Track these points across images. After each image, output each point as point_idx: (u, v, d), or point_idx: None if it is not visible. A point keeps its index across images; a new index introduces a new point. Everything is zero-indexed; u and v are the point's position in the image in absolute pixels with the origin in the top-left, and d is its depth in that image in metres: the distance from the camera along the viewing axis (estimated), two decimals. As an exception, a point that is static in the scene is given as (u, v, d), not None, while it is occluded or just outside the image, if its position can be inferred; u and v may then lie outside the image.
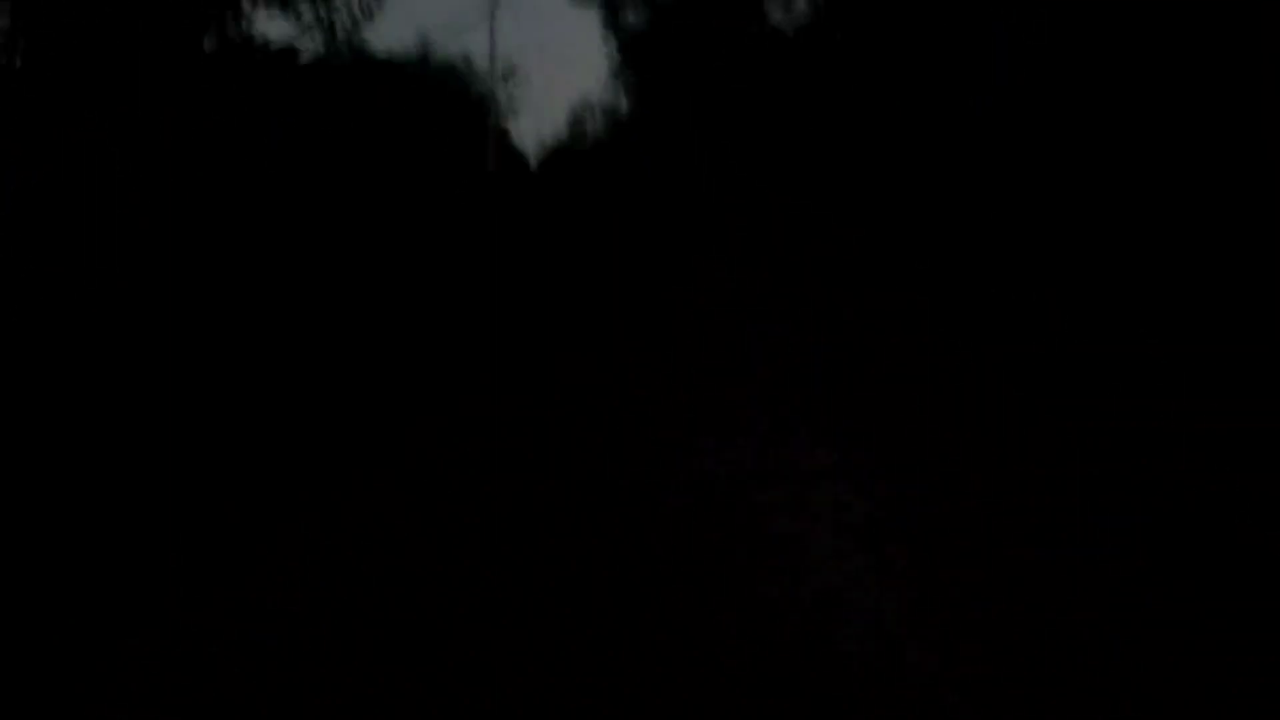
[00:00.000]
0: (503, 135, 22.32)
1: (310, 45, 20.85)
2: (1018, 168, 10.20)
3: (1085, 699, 2.59)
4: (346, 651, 2.60)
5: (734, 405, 5.47)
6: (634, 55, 23.60)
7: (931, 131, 12.96)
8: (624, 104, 22.72)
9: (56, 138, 11.23)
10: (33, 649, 2.54)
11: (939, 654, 2.78)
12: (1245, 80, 6.89)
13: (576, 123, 22.82)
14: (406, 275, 10.77)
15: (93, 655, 2.54)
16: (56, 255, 8.62)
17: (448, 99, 20.24)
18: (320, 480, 4.05)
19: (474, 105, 19.97)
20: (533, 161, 22.74)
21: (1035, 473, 4.33)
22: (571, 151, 21.73)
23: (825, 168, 15.79)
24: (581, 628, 2.81)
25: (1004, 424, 5.16)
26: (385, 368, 6.49)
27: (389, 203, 16.33)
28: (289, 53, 20.69)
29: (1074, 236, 8.52)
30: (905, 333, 7.25)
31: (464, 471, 4.21)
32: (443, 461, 4.36)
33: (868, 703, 2.51)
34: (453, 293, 10.15)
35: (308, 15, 18.50)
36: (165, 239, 9.70)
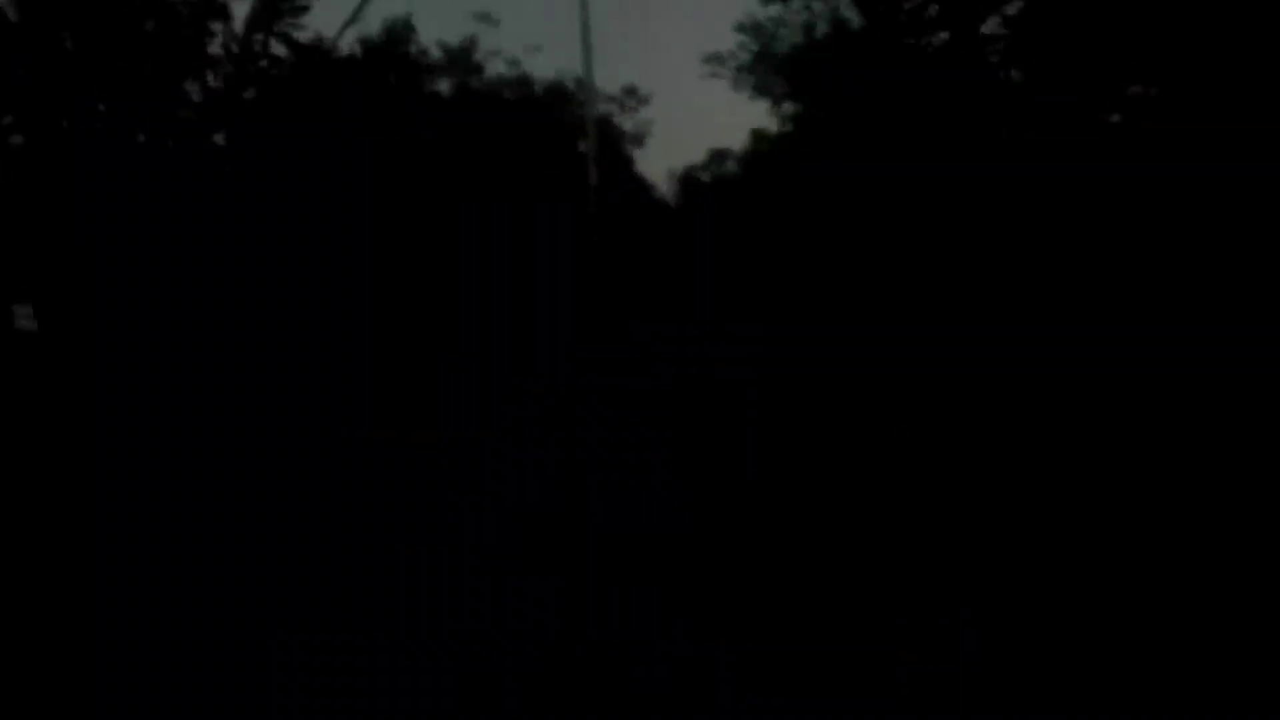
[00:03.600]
0: (625, 162, 18.42)
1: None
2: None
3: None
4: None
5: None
6: (800, 80, 18.87)
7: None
8: (783, 130, 18.13)
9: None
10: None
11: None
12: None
13: (717, 155, 18.65)
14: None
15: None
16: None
17: (551, 122, 16.78)
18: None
19: (578, 126, 16.50)
20: (665, 191, 18.81)
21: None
22: (709, 184, 17.61)
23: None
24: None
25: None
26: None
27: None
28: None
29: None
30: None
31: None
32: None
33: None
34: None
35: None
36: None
